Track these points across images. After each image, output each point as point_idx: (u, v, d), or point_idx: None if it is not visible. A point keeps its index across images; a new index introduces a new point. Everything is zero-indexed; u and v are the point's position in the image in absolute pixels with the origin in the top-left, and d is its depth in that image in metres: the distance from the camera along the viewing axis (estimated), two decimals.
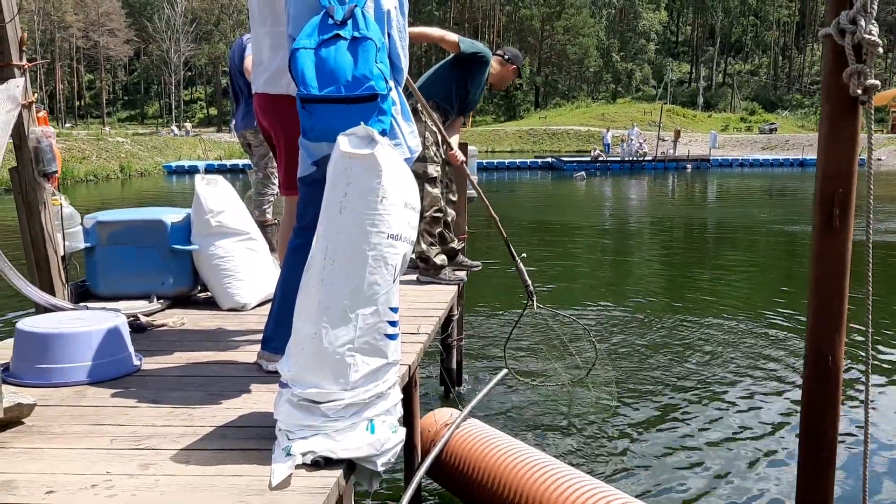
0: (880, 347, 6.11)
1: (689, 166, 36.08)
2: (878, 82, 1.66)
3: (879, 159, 39.83)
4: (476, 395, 4.07)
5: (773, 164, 38.85)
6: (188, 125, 56.89)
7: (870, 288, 1.78)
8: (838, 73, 1.71)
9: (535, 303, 4.73)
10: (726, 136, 53.17)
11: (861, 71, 1.65)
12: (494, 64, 4.87)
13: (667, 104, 59.94)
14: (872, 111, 1.71)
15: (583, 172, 31.21)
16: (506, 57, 4.94)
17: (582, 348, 5.44)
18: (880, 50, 1.64)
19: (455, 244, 4.90)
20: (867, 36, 1.61)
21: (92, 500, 1.76)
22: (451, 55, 4.68)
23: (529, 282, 4.69)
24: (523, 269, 4.71)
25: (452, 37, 4.60)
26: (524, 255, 4.80)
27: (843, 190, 1.73)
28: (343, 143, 2.03)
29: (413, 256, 4.83)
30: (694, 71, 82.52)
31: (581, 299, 7.99)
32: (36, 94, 3.37)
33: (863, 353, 2.02)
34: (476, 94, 4.82)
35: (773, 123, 59.46)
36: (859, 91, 1.67)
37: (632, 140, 38.20)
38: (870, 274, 1.76)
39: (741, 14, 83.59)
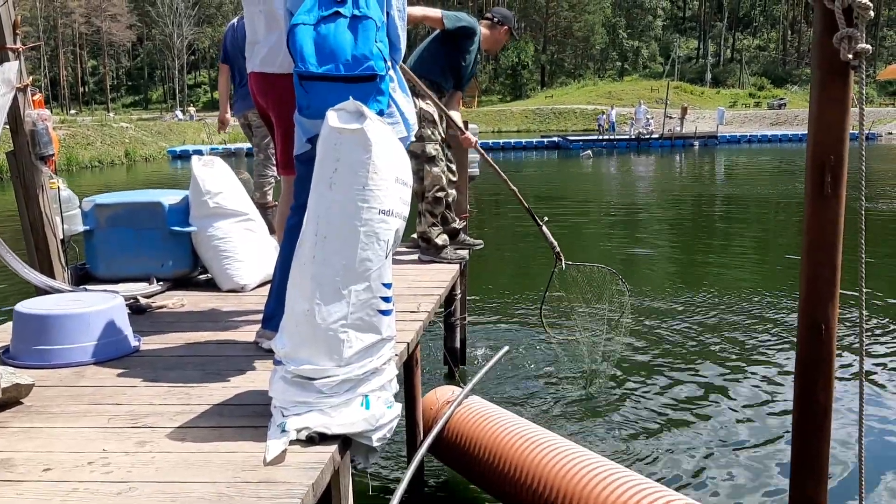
0: (877, 318, 6.08)
1: (696, 143, 35.91)
2: (868, 47, 1.62)
3: (891, 133, 39.40)
4: (478, 373, 4.07)
5: (781, 140, 38.55)
6: (192, 109, 56.83)
7: (863, 255, 1.76)
8: (829, 38, 1.67)
9: (563, 262, 4.73)
10: (735, 113, 52.68)
11: (852, 35, 1.62)
12: (484, 29, 4.76)
13: (674, 81, 59.43)
14: (864, 78, 1.68)
15: (589, 151, 31.12)
16: (495, 20, 4.83)
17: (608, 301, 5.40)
18: (871, 14, 1.61)
19: (457, 224, 4.87)
20: None
21: (88, 477, 1.77)
22: (438, 31, 4.59)
23: (555, 242, 4.68)
24: (547, 231, 4.70)
25: (435, 13, 4.49)
26: (546, 218, 4.78)
27: (834, 156, 1.71)
28: (332, 118, 2.01)
29: (414, 236, 4.83)
30: (701, 47, 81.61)
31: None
32: (31, 77, 3.36)
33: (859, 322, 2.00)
34: (470, 66, 4.73)
35: (781, 99, 58.87)
36: (850, 56, 1.64)
37: (639, 118, 38.01)
38: (863, 241, 1.74)
39: None
